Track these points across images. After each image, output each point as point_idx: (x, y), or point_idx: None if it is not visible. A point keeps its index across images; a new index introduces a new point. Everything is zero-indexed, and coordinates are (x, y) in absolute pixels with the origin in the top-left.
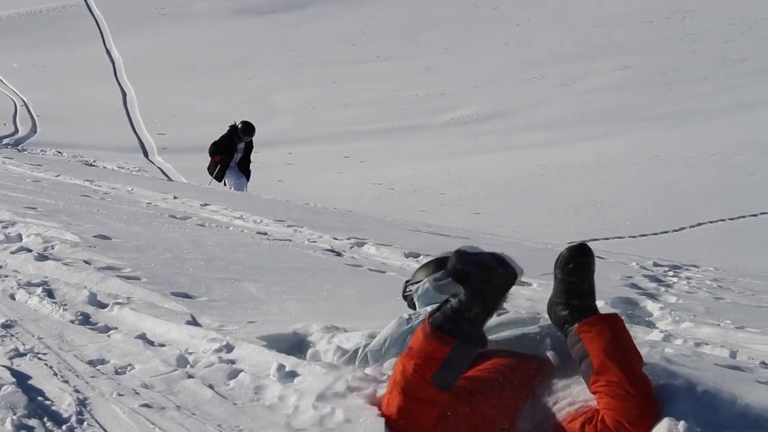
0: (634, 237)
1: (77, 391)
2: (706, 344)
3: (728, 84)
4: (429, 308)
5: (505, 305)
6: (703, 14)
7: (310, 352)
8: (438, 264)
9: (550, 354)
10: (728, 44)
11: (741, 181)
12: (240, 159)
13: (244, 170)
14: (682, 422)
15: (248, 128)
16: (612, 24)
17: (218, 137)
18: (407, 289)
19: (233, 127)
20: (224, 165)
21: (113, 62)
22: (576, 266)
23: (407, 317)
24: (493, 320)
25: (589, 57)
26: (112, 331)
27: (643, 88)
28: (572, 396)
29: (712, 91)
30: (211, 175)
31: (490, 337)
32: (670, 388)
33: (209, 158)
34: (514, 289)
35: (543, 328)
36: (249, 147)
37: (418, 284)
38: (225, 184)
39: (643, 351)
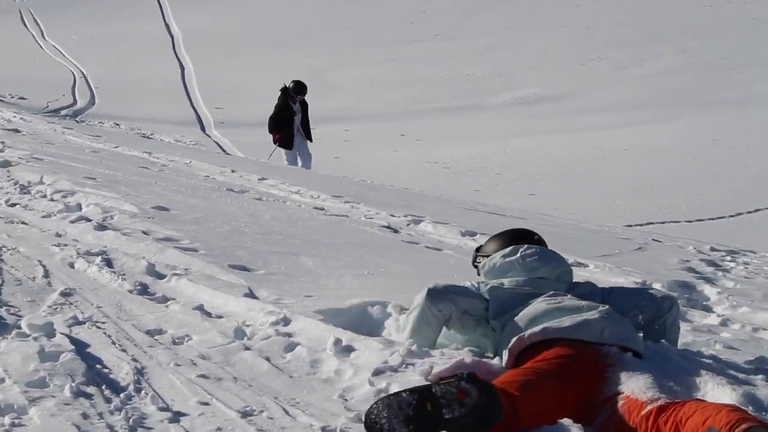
0: (690, 221)
1: (135, 360)
2: (764, 329)
3: None
4: (495, 282)
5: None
6: None
7: (367, 326)
8: (509, 237)
9: (609, 341)
10: None
11: None
12: (301, 121)
13: (307, 131)
14: None
15: (299, 86)
16: (672, 7)
17: (273, 109)
18: (477, 259)
19: (284, 90)
20: (290, 132)
21: (172, 37)
22: None
23: (475, 285)
24: (552, 306)
25: (648, 40)
26: (170, 302)
27: (702, 72)
28: (634, 385)
29: None
30: (277, 145)
31: (550, 324)
32: None
33: (270, 135)
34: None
35: (602, 314)
36: (305, 107)
37: (486, 259)
38: (287, 159)
39: (702, 336)
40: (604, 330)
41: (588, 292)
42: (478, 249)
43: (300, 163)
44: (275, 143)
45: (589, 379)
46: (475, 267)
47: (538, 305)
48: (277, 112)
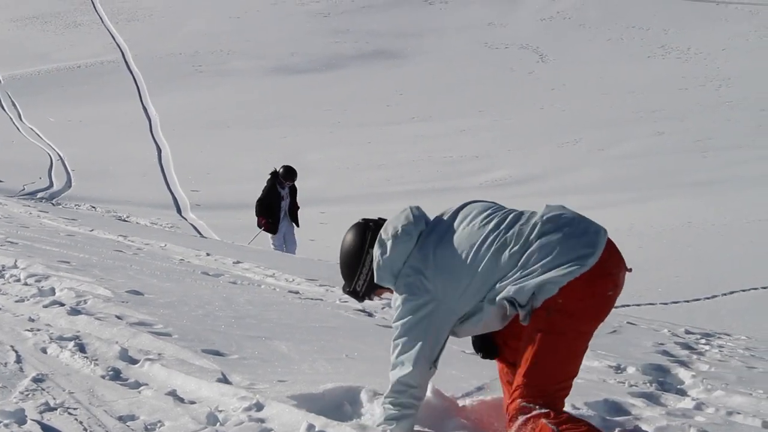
0: (666, 304)
1: None
2: (738, 413)
3: (763, 152)
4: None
5: None
6: (738, 82)
7: (341, 412)
8: (357, 232)
9: None
10: (764, 112)
11: None
12: (289, 205)
13: (294, 216)
14: None
15: (289, 172)
16: (647, 90)
17: (261, 191)
18: (357, 284)
19: (274, 174)
20: (276, 217)
21: (149, 118)
22: None
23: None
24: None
25: (623, 122)
26: (142, 387)
27: (677, 154)
28: None
29: (747, 159)
30: (261, 229)
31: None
32: None
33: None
34: None
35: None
36: (293, 192)
37: (368, 267)
38: (273, 242)
39: (676, 420)
40: None
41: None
42: (345, 286)
43: (285, 248)
44: (259, 227)
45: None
46: (357, 293)
47: (505, 259)
48: (265, 195)
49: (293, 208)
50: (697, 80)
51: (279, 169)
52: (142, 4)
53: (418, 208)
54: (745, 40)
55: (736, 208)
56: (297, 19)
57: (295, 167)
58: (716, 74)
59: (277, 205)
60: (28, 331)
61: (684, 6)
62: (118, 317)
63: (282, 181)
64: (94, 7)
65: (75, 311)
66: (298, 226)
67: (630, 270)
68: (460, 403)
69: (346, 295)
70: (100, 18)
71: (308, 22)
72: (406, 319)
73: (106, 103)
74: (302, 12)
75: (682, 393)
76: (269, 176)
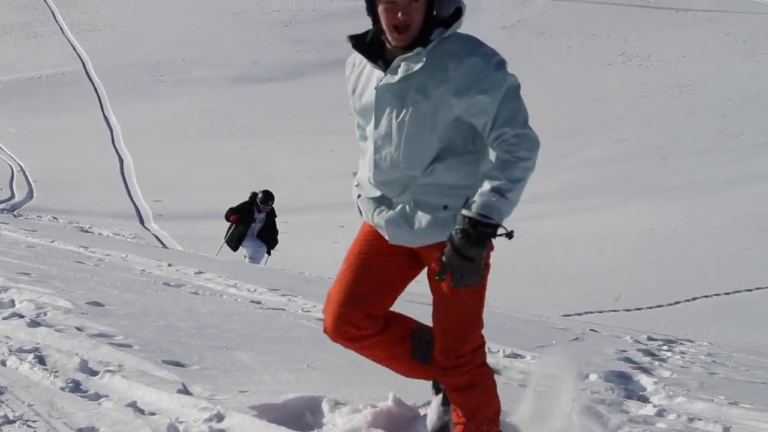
0: (628, 310)
1: None
2: (700, 419)
3: (724, 158)
4: None
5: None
6: (700, 89)
7: (302, 421)
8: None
9: None
10: (725, 119)
11: (736, 256)
12: (260, 229)
13: (267, 240)
14: None
15: (267, 196)
16: (609, 97)
17: (236, 204)
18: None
19: (254, 195)
20: (242, 232)
21: (111, 129)
22: None
23: None
24: None
25: (585, 130)
26: (102, 399)
27: (639, 161)
28: None
29: (709, 165)
30: (225, 240)
31: None
32: None
33: (226, 224)
34: (507, 362)
35: None
36: (271, 216)
37: None
38: (245, 256)
39: (638, 427)
40: None
41: None
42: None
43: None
44: (226, 236)
45: None
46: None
47: None
48: (239, 207)
49: (269, 233)
50: (659, 87)
51: (259, 193)
52: (102, 15)
53: None
54: (705, 46)
55: (699, 214)
56: (259, 28)
57: (273, 192)
58: (677, 81)
59: (247, 222)
60: None
61: (644, 13)
62: (78, 329)
63: (259, 205)
64: (55, 18)
65: (35, 323)
66: (269, 254)
67: None
68: (421, 412)
69: None
70: (61, 29)
71: (270, 32)
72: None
73: (67, 114)
74: (264, 21)
75: (644, 399)
76: (249, 195)
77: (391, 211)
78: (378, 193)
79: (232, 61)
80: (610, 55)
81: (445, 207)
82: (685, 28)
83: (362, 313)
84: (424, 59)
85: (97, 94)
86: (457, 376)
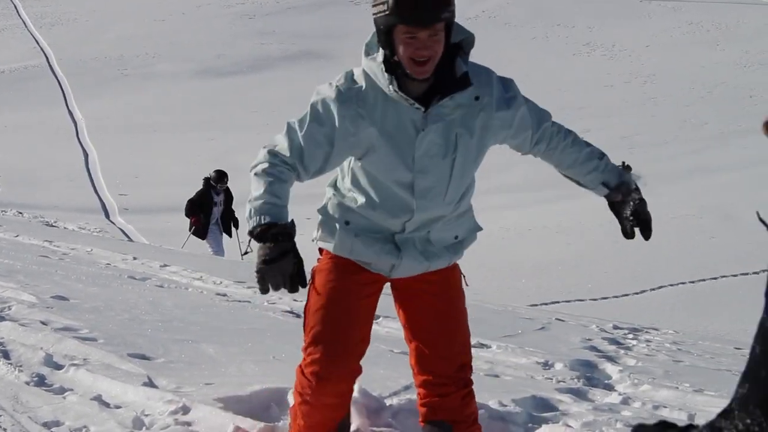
0: (594, 299)
1: None
2: (665, 407)
3: (688, 148)
4: None
5: None
6: (663, 79)
7: (268, 414)
8: None
9: None
10: (688, 108)
11: (701, 245)
12: (222, 213)
13: (227, 225)
14: None
15: (219, 175)
16: (573, 87)
17: (194, 194)
18: None
19: (207, 180)
20: (203, 224)
21: (75, 123)
22: None
23: None
24: None
25: None
26: (67, 393)
27: (604, 151)
28: None
29: (673, 154)
30: (191, 232)
31: None
32: None
33: (187, 219)
34: (474, 352)
35: None
36: (228, 196)
37: None
38: (211, 248)
39: (603, 415)
40: None
41: None
42: None
43: (215, 246)
44: (190, 229)
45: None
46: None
47: None
48: (197, 197)
49: (227, 217)
50: (622, 77)
51: (211, 173)
52: (65, 8)
53: None
54: (669, 36)
55: (663, 204)
56: (222, 21)
57: (225, 170)
58: (641, 71)
59: (208, 209)
60: None
61: (608, 3)
62: (43, 323)
63: (215, 186)
64: (17, 11)
65: None
66: (230, 236)
67: None
68: (387, 402)
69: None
70: (24, 22)
71: (234, 24)
72: None
73: (31, 108)
74: (227, 14)
75: (610, 388)
76: (203, 182)
77: (411, 249)
78: (384, 232)
79: (196, 54)
80: (574, 46)
81: (456, 237)
82: (648, 17)
83: (356, 364)
84: (477, 96)
85: (61, 89)
86: (469, 397)
